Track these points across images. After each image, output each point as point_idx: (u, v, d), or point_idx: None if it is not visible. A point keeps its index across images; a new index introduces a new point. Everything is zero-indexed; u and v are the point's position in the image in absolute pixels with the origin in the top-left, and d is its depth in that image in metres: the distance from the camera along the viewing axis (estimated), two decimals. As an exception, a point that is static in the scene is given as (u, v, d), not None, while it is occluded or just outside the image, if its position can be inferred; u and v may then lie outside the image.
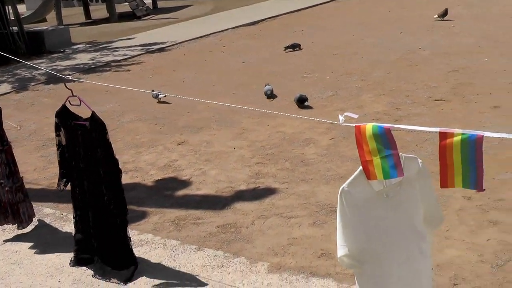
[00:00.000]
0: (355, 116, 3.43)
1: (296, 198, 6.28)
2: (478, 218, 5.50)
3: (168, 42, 16.54)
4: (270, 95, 9.97)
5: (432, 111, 8.57)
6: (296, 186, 6.57)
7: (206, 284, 4.91)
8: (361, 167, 3.27)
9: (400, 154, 3.29)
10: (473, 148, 3.08)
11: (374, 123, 3.23)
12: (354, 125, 3.27)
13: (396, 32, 14.55)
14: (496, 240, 5.11)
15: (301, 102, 9.29)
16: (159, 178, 7.20)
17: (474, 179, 3.19)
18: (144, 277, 5.11)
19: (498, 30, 13.82)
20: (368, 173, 3.25)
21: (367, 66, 11.60)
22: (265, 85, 10.17)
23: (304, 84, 10.79)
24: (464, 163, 3.14)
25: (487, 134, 3.08)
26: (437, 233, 5.20)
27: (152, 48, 16.05)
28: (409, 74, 10.70)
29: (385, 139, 3.18)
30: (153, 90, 10.11)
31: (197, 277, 5.03)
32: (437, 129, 3.13)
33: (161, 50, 15.69)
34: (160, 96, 10.17)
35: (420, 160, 3.43)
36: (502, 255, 4.89)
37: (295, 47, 13.72)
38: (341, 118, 3.38)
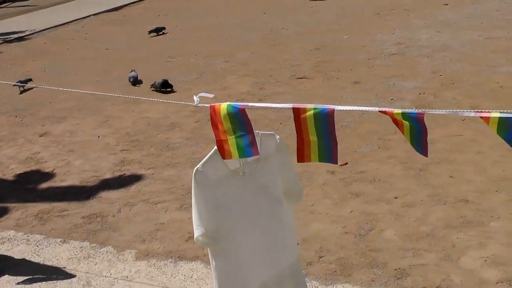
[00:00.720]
0: (210, 96, 3.39)
1: (163, 183, 6.19)
2: (342, 191, 5.63)
3: (27, 30, 15.79)
4: (135, 82, 9.75)
5: (295, 89, 8.70)
6: (162, 171, 6.48)
7: (74, 276, 4.76)
8: (215, 147, 3.24)
9: (257, 132, 3.30)
10: (325, 122, 3.12)
11: (229, 103, 3.20)
12: (209, 105, 3.23)
13: (260, 13, 14.64)
14: (359, 211, 5.25)
15: (164, 86, 9.16)
16: (21, 172, 6.88)
17: (329, 152, 3.23)
18: (6, 275, 4.87)
19: (356, 7, 14.20)
20: (223, 153, 3.22)
21: (232, 48, 11.61)
22: (130, 72, 9.94)
23: (168, 68, 10.65)
24: (319, 137, 3.17)
25: (338, 107, 3.12)
26: (302, 208, 5.30)
27: (10, 37, 15.28)
28: (273, 54, 10.80)
29: (240, 118, 3.16)
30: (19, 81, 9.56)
31: (63, 270, 4.86)
32: (290, 105, 3.16)
33: (20, 39, 14.98)
34: (27, 82, 9.61)
35: (278, 137, 3.44)
36: (364, 225, 5.03)
37: (159, 30, 13.50)
38: (196, 99, 3.33)
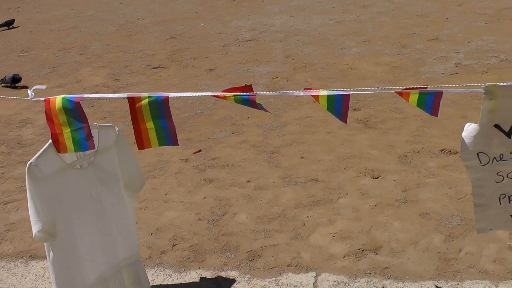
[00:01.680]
0: (43, 87, 3.28)
1: (13, 182, 5.91)
2: (195, 178, 5.60)
3: None
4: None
5: (150, 79, 8.58)
6: (13, 169, 6.19)
7: None
8: (50, 141, 3.14)
9: (95, 124, 3.24)
10: (161, 108, 3.14)
11: (64, 96, 3.13)
12: (43, 99, 3.12)
13: (115, 3, 14.35)
14: (212, 197, 5.24)
15: (15, 82, 8.76)
16: None
17: (168, 136, 3.24)
18: None
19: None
20: (58, 146, 3.13)
21: (86, 40, 11.30)
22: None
23: (20, 63, 10.21)
24: (156, 124, 3.18)
25: (172, 94, 3.15)
26: (156, 197, 5.24)
27: None
28: (128, 44, 10.61)
29: (75, 112, 3.09)
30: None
31: None
32: (125, 95, 3.15)
33: None
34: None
35: (117, 129, 3.40)
36: (217, 210, 5.02)
37: (9, 24, 12.93)
38: (30, 93, 3.22)
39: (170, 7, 13.36)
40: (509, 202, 3.40)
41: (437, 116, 3.17)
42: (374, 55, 8.63)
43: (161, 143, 3.24)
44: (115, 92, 8.03)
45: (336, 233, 4.58)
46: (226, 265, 4.33)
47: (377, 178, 5.32)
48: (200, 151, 6.09)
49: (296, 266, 4.25)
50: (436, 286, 3.96)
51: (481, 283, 3.95)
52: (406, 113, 6.54)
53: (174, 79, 8.46)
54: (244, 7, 12.44)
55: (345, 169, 5.51)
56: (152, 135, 3.22)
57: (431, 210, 4.78)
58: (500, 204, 3.41)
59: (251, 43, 9.85)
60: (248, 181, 5.44)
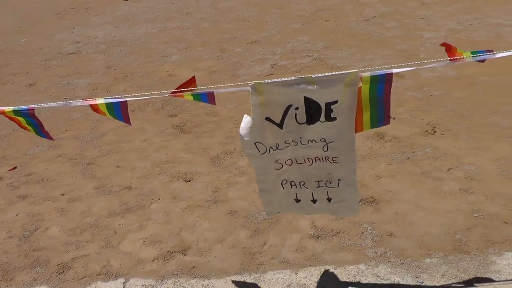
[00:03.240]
0: None
1: None
2: (8, 196, 5.51)
3: None
4: None
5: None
6: None
7: None
8: None
9: None
10: None
11: None
12: None
13: None
14: (24, 213, 5.18)
15: None
16: None
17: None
18: None
19: (37, 9, 13.91)
20: None
21: None
22: None
23: None
24: None
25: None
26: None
27: None
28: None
29: None
30: None
31: None
32: None
33: None
34: None
35: None
36: (29, 226, 4.98)
37: None
38: None
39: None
40: (291, 187, 3.69)
41: (214, 103, 3.33)
42: (194, 61, 8.83)
43: None
44: None
45: (146, 238, 4.69)
46: (36, 280, 4.33)
47: (189, 181, 5.49)
48: (15, 168, 6.00)
49: (105, 274, 4.32)
50: (239, 280, 4.18)
51: (283, 273, 4.21)
52: (221, 115, 6.77)
53: (-9, 97, 8.24)
54: (68, 20, 12.27)
55: (158, 174, 5.64)
56: None
57: (239, 208, 5.01)
58: (283, 189, 3.70)
59: (73, 56, 9.75)
60: (62, 194, 5.44)
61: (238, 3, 12.40)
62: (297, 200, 3.77)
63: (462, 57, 3.36)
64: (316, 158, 3.55)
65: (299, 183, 3.68)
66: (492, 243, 4.38)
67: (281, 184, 3.69)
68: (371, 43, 9.15)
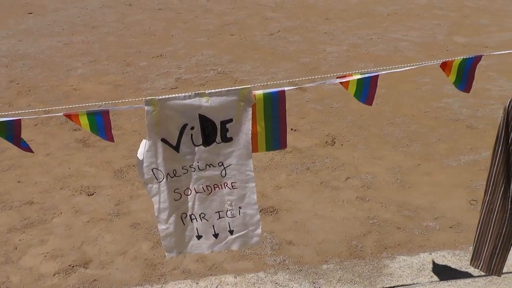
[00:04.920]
0: None
1: None
2: None
3: None
4: None
5: None
6: None
7: None
8: None
9: None
10: None
11: None
12: None
13: None
14: None
15: None
16: None
17: None
18: None
19: None
20: None
21: None
22: None
23: None
24: None
25: None
26: None
27: None
28: None
29: None
30: None
31: None
32: None
33: None
34: None
35: None
36: None
37: None
38: None
39: None
40: (191, 221, 3.44)
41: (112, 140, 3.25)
42: (99, 75, 8.80)
43: None
44: None
45: (47, 252, 4.67)
46: None
47: (92, 194, 5.50)
48: None
49: (4, 290, 4.28)
50: (140, 290, 4.23)
51: (183, 283, 4.29)
52: (125, 129, 6.80)
53: None
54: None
55: (61, 189, 5.61)
56: None
57: (142, 220, 5.06)
58: (184, 224, 3.44)
59: (-26, 70, 9.54)
60: (-40, 211, 5.34)
61: (145, 17, 12.42)
62: (198, 237, 3.50)
63: (351, 76, 3.42)
64: (215, 186, 3.38)
65: (200, 215, 3.44)
66: (386, 248, 4.60)
67: (181, 218, 3.42)
68: (275, 57, 9.38)
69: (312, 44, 10.06)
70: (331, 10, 12.67)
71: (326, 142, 6.32)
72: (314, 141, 6.35)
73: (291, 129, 6.58)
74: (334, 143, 6.31)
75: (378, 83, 3.34)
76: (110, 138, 3.24)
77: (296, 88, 6.96)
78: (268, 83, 6.75)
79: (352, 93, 3.42)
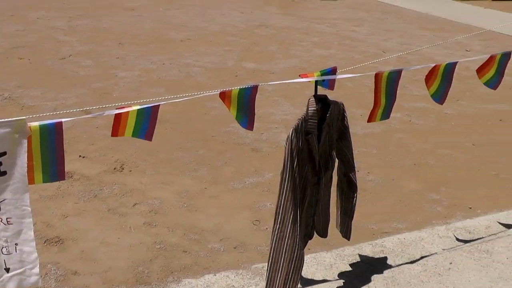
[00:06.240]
0: None
1: None
2: None
3: None
4: None
5: None
6: None
7: None
8: None
9: None
10: None
11: None
12: None
13: None
14: None
15: None
16: None
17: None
18: None
19: None
20: None
21: None
22: None
23: None
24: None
25: None
26: None
27: None
28: None
29: None
30: None
31: None
32: None
33: None
34: None
35: None
36: None
37: None
38: None
39: None
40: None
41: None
42: None
43: None
44: None
45: None
46: None
47: None
48: None
49: None
50: None
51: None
52: None
53: None
54: None
55: None
56: None
57: None
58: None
59: None
60: None
61: None
62: None
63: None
64: None
65: None
66: (172, 272, 4.70)
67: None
68: (66, 82, 9.22)
69: (104, 69, 10.02)
70: (125, 34, 12.70)
71: (114, 169, 6.32)
72: (102, 168, 6.33)
73: (80, 155, 6.51)
74: (123, 169, 6.33)
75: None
76: None
77: (86, 116, 6.90)
78: (56, 112, 6.65)
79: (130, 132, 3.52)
